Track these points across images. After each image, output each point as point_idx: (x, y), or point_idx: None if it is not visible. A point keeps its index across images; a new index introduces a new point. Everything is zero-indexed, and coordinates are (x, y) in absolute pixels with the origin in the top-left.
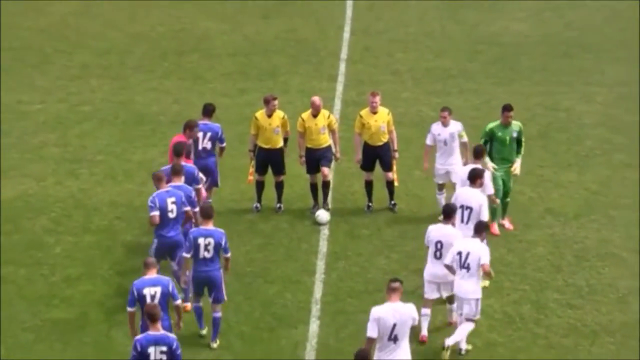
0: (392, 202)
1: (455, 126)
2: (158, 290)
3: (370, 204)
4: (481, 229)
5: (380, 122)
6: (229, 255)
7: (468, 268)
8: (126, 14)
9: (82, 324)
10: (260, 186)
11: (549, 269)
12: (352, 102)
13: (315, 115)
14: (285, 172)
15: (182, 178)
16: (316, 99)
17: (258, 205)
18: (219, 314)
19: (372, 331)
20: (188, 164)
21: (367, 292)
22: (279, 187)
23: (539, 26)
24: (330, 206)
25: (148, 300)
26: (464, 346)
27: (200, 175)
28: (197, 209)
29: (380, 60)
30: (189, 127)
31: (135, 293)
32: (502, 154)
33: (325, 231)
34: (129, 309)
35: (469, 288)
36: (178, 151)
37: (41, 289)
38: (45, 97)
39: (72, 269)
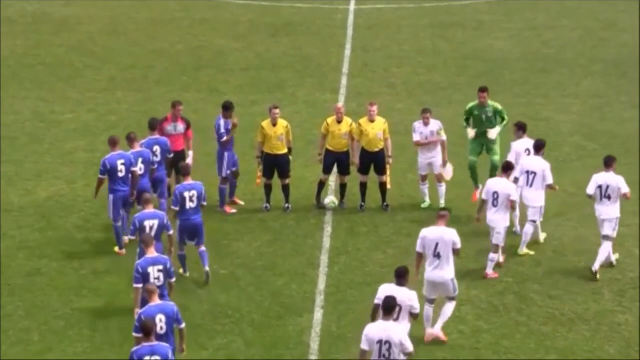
0: (385, 204)
1: (435, 125)
2: (156, 222)
3: (362, 204)
4: (611, 163)
5: (377, 129)
6: (205, 203)
7: (609, 197)
8: (148, 33)
9: (108, 313)
10: (268, 188)
11: (530, 263)
12: (352, 112)
13: (339, 121)
14: (290, 175)
15: (137, 145)
16: (339, 105)
17: (267, 205)
18: (203, 249)
19: (418, 247)
20: (163, 137)
21: (366, 284)
22: (285, 189)
23: (520, 44)
24: (345, 203)
25: (147, 230)
26: (613, 258)
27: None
28: (155, 167)
29: (377, 75)
30: (172, 106)
31: (137, 224)
32: (480, 130)
33: (328, 228)
34: (131, 237)
35: (610, 211)
36: (152, 126)
37: (72, 281)
38: (76, 108)
39: (99, 262)
